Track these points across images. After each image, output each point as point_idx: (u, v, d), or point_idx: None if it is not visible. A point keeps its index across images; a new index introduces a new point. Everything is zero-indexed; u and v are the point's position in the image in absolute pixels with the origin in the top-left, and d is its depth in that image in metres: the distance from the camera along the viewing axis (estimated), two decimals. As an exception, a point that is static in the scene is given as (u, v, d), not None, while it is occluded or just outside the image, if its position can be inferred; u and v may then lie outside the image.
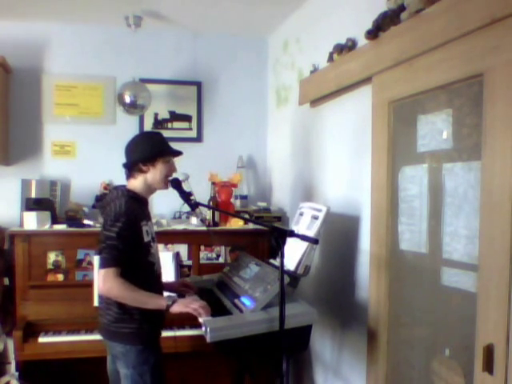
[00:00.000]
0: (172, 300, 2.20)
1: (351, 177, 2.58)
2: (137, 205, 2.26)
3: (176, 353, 2.87)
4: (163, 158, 2.31)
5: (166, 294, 2.43)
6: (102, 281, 2.12)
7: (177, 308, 2.18)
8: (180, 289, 2.58)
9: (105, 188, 3.39)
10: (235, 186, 3.58)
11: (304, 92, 2.99)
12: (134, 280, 2.16)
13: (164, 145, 2.35)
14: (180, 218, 3.59)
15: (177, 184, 2.42)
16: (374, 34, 2.14)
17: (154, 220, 3.18)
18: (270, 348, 2.05)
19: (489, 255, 1.58)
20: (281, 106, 3.65)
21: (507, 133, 1.50)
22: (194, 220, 3.40)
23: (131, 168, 2.30)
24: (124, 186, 2.32)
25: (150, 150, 2.28)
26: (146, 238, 2.25)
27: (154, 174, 2.28)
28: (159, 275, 2.40)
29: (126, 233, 2.14)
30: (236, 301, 2.27)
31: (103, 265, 2.13)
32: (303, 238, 2.17)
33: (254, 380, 2.50)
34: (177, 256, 3.26)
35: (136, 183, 2.30)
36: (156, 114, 3.75)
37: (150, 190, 2.34)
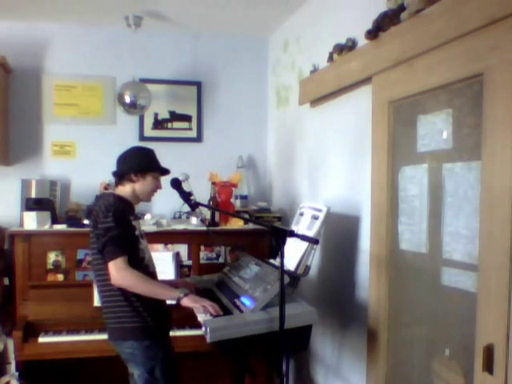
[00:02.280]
0: (184, 293, 2.23)
1: (351, 177, 2.58)
2: (124, 204, 2.33)
3: (176, 353, 2.87)
4: (153, 173, 2.41)
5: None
6: (115, 272, 2.16)
7: (187, 302, 2.22)
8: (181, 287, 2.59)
9: (105, 188, 3.39)
10: (235, 186, 3.58)
11: (304, 92, 2.99)
12: None
13: (156, 162, 2.46)
14: (180, 217, 3.58)
15: (177, 184, 2.44)
16: (374, 34, 2.14)
17: (153, 220, 3.20)
18: (270, 348, 2.05)
19: (489, 255, 1.58)
20: (281, 106, 3.65)
21: (507, 133, 1.50)
22: (194, 220, 3.39)
23: (122, 176, 2.38)
24: (110, 192, 2.45)
25: (143, 162, 2.40)
26: (135, 232, 2.31)
27: (142, 185, 2.38)
28: (153, 273, 2.41)
29: (120, 219, 2.21)
30: (236, 301, 2.27)
31: (111, 257, 2.16)
32: (303, 237, 2.16)
33: (254, 380, 2.50)
34: (177, 256, 3.26)
35: (124, 190, 2.39)
36: (156, 114, 3.75)
37: (136, 199, 2.43)
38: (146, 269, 2.33)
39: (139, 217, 2.50)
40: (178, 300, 2.21)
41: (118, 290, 2.23)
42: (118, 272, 2.15)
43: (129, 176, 2.36)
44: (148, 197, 2.44)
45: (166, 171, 2.47)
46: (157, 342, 2.29)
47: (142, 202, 2.48)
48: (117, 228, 2.18)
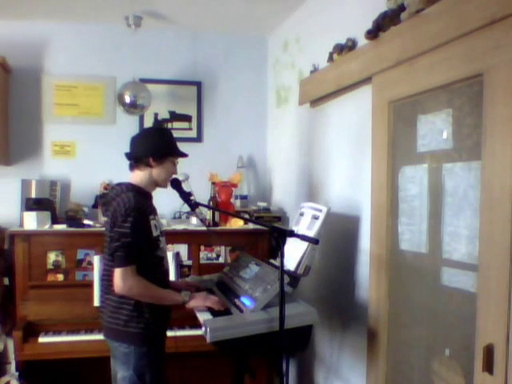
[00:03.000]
0: (188, 296, 2.22)
1: (351, 177, 2.58)
2: (143, 199, 2.24)
3: (176, 353, 2.86)
4: (172, 158, 2.31)
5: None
6: (122, 280, 2.10)
7: (193, 304, 2.21)
8: (185, 288, 2.57)
9: (105, 188, 3.39)
10: (235, 185, 3.58)
11: (304, 92, 2.99)
12: (144, 275, 2.15)
13: (175, 144, 2.35)
14: (180, 218, 3.58)
15: (177, 184, 2.42)
16: (374, 34, 2.14)
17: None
18: (270, 348, 2.05)
19: (489, 255, 1.58)
20: (281, 105, 3.65)
21: (507, 133, 1.50)
22: (194, 220, 3.39)
23: (138, 160, 2.27)
24: (127, 182, 2.30)
25: (162, 146, 2.29)
26: (155, 233, 2.23)
27: (159, 170, 2.27)
28: (167, 271, 2.38)
29: (138, 227, 2.13)
30: (236, 301, 2.27)
31: (121, 263, 2.11)
32: (303, 238, 2.16)
33: (254, 380, 2.50)
34: (177, 256, 3.26)
35: (141, 176, 2.28)
36: (156, 114, 3.75)
37: (154, 185, 2.33)
38: (162, 268, 2.30)
39: (156, 209, 2.36)
40: (184, 303, 2.21)
41: None
42: (125, 281, 2.10)
43: (146, 160, 2.24)
44: (165, 182, 2.32)
45: (184, 155, 2.36)
46: (154, 350, 2.25)
47: (158, 187, 2.35)
48: (132, 235, 2.10)
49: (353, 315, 2.55)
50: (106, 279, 2.25)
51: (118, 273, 2.11)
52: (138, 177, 2.29)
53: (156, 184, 2.32)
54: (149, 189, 2.32)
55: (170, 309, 2.36)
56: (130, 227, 2.10)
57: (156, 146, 2.27)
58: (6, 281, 3.20)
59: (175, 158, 2.34)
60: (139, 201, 2.18)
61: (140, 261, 2.15)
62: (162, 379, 2.31)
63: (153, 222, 2.23)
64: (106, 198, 2.32)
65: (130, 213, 2.11)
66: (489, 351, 1.56)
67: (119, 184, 2.31)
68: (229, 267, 2.74)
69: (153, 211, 2.29)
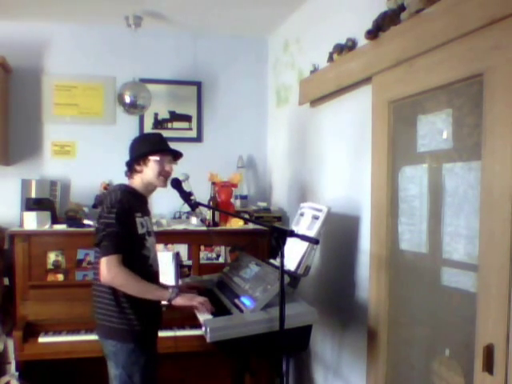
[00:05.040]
0: (175, 292, 2.22)
1: (351, 177, 2.58)
2: (133, 198, 2.28)
3: (176, 353, 2.87)
4: (153, 157, 2.30)
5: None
6: (106, 269, 2.11)
7: (180, 301, 2.20)
8: (186, 291, 2.53)
9: (105, 188, 3.39)
10: (235, 186, 3.58)
11: (304, 92, 2.99)
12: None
13: (155, 144, 2.35)
14: (180, 217, 3.59)
15: (177, 184, 2.43)
16: (373, 34, 2.14)
17: (153, 220, 3.18)
18: (270, 348, 2.05)
19: (489, 255, 1.58)
20: (281, 106, 3.65)
21: (507, 133, 1.50)
22: (193, 220, 3.39)
23: (129, 168, 2.34)
24: (123, 183, 2.37)
25: (141, 149, 2.33)
26: (141, 230, 2.25)
27: (146, 172, 2.31)
28: (156, 273, 2.38)
29: (122, 218, 2.17)
30: (236, 301, 2.27)
31: (105, 252, 2.12)
32: (303, 238, 2.16)
33: (254, 380, 2.50)
34: (177, 256, 3.26)
35: (135, 182, 2.34)
36: (156, 114, 3.75)
37: (149, 188, 2.36)
38: (149, 268, 2.30)
39: (149, 212, 2.43)
40: (170, 301, 2.20)
41: (109, 288, 2.20)
42: (109, 270, 2.11)
43: (133, 166, 2.31)
44: (159, 182, 2.31)
45: (166, 150, 2.34)
46: (142, 346, 2.25)
47: (157, 187, 2.36)
48: (117, 225, 2.14)
49: (353, 315, 2.55)
50: (95, 273, 2.28)
51: (103, 262, 2.13)
52: (133, 182, 2.35)
53: (151, 186, 2.36)
54: (144, 193, 2.37)
55: (158, 308, 2.36)
56: (114, 217, 2.15)
57: (136, 150, 2.33)
58: (6, 281, 3.20)
59: (157, 156, 2.31)
60: (126, 197, 2.23)
61: (126, 254, 2.16)
62: (152, 379, 2.31)
63: (139, 220, 2.26)
64: (101, 196, 2.37)
65: (114, 204, 2.17)
66: (489, 351, 1.56)
67: (116, 185, 2.39)
68: (229, 267, 2.74)
69: (142, 210, 2.31)
